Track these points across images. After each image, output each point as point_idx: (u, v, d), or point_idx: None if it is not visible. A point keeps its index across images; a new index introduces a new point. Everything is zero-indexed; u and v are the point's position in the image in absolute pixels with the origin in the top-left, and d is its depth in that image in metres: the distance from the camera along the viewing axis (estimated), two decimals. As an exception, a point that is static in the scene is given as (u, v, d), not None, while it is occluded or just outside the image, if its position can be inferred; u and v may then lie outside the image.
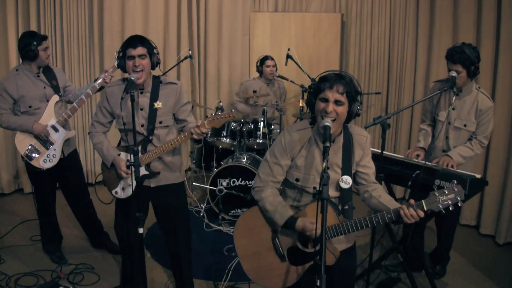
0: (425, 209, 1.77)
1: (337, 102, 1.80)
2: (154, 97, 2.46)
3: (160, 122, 2.48)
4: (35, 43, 2.89)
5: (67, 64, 4.63)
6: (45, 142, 3.00)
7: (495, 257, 3.52)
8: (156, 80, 2.49)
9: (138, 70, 2.34)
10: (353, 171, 1.96)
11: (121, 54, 2.39)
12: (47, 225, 3.29)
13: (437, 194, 1.77)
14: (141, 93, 2.45)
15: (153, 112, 2.45)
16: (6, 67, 4.38)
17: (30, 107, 2.96)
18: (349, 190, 1.90)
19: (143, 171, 2.46)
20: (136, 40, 2.35)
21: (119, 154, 2.52)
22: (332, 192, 1.92)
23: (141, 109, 2.46)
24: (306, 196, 1.96)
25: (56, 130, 3.03)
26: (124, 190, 2.54)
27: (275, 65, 4.55)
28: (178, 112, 2.54)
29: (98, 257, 3.31)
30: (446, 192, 1.77)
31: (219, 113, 2.44)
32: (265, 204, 1.95)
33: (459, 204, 1.77)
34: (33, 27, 4.36)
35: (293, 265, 1.96)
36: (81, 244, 3.48)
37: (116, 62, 2.44)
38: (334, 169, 1.92)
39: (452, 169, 2.60)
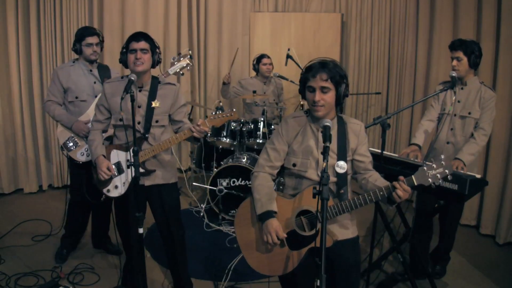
0: (415, 183, 1.80)
1: (323, 89, 1.87)
2: (152, 96, 2.49)
3: (156, 121, 2.51)
4: (78, 39, 3.02)
5: (67, 64, 4.63)
6: (85, 135, 3.05)
7: (495, 257, 3.52)
8: (155, 80, 2.53)
9: (139, 63, 2.38)
10: (349, 158, 1.98)
11: (124, 50, 2.43)
12: (74, 221, 3.29)
13: (425, 169, 1.80)
14: (140, 91, 2.48)
15: (150, 110, 2.48)
16: (6, 67, 4.38)
17: (76, 98, 3.06)
18: (344, 175, 1.94)
19: None
20: (140, 35, 2.41)
21: (104, 155, 2.52)
22: (330, 177, 1.93)
23: (139, 107, 2.48)
24: (303, 181, 2.00)
25: None
26: (117, 188, 2.54)
27: (271, 63, 4.56)
28: (174, 113, 2.57)
29: (98, 257, 3.31)
30: (435, 166, 1.79)
31: (220, 112, 2.48)
32: (254, 192, 2.03)
33: (449, 178, 1.80)
34: (33, 27, 4.37)
35: (292, 250, 1.97)
36: (81, 244, 3.48)
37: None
38: (330, 154, 1.94)
39: (457, 170, 2.61)
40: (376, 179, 1.96)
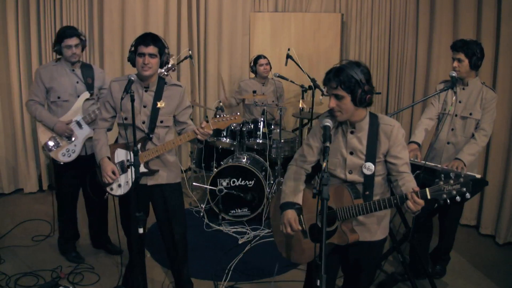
0: (429, 197, 1.71)
1: (336, 97, 1.87)
2: (158, 96, 2.50)
3: (161, 122, 2.52)
4: (58, 40, 2.97)
5: (67, 64, 4.63)
6: (68, 136, 3.03)
7: (495, 257, 3.52)
8: (161, 81, 2.54)
9: (147, 68, 2.40)
10: (378, 160, 1.95)
11: (132, 49, 2.44)
12: (65, 223, 3.28)
13: (441, 183, 1.69)
14: (146, 91, 2.50)
15: (155, 110, 2.49)
16: (6, 67, 4.38)
17: (58, 98, 3.02)
18: (371, 177, 1.93)
19: (141, 168, 2.47)
20: (149, 39, 2.40)
21: (109, 157, 2.52)
22: (357, 177, 1.96)
23: (144, 106, 2.49)
24: (333, 179, 2.03)
25: (80, 126, 3.04)
26: (120, 187, 2.55)
27: (268, 63, 4.57)
28: (179, 114, 2.59)
29: (98, 257, 3.31)
30: (452, 181, 1.67)
31: (224, 115, 2.49)
32: (283, 183, 2.14)
33: (467, 196, 1.65)
34: (33, 27, 4.36)
35: (314, 242, 2.00)
36: (81, 244, 3.48)
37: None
38: (358, 155, 1.95)
39: (456, 170, 2.61)
40: (404, 183, 1.91)
